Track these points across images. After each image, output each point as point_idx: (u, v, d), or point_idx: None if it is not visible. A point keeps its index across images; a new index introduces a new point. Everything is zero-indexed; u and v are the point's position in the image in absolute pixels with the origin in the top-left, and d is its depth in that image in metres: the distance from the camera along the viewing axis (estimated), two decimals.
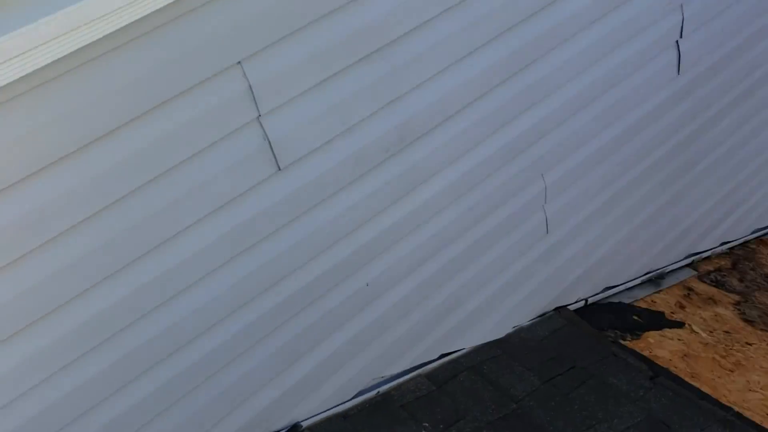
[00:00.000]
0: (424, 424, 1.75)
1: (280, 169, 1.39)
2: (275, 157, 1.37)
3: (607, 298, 2.47)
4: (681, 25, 2.05)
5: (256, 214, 1.40)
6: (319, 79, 1.37)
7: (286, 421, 1.67)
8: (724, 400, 1.98)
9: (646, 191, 2.35)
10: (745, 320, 2.44)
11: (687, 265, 2.78)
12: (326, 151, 1.46)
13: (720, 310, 2.49)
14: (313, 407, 1.72)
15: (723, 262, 2.86)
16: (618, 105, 2.03)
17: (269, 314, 1.52)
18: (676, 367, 2.12)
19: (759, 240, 3.10)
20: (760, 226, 3.10)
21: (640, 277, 2.58)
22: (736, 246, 3.00)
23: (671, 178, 2.42)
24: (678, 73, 2.14)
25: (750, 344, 2.30)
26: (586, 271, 2.30)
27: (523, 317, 2.18)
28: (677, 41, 2.08)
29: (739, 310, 2.50)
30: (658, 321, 2.36)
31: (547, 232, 2.06)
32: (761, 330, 2.39)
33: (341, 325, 1.69)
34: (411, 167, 1.62)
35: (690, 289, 2.61)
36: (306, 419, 1.71)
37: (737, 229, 2.96)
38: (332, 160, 1.47)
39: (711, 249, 2.86)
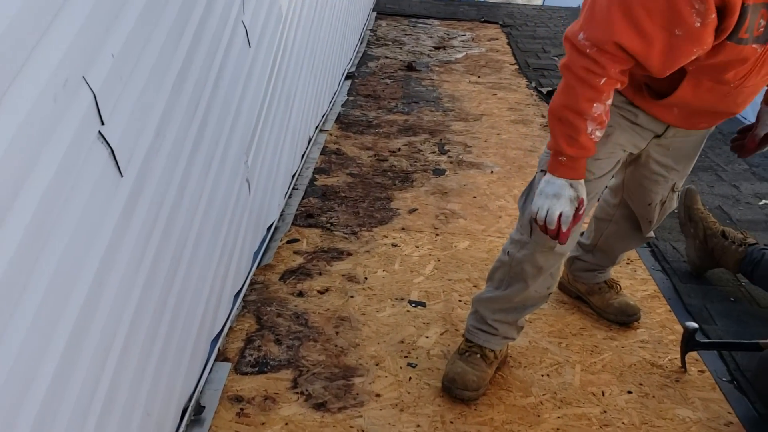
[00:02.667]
0: None
1: None
2: None
3: None
4: (96, 105, 1.18)
5: None
6: None
7: None
8: None
9: (146, 332, 1.53)
10: (315, 406, 1.94)
11: (217, 359, 2.11)
12: None
13: (285, 409, 1.93)
14: None
15: (247, 324, 2.29)
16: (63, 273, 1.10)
17: None
18: None
19: (260, 270, 2.62)
20: (254, 251, 2.63)
21: (180, 425, 1.79)
22: (245, 292, 2.46)
23: (162, 294, 1.65)
24: (121, 174, 1.30)
25: None
26: None
27: None
28: (100, 131, 1.21)
29: (301, 392, 1.99)
30: None
31: None
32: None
33: None
34: None
35: (237, 398, 1.96)
36: None
37: (239, 274, 2.41)
38: None
39: (228, 317, 2.25)
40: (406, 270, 2.66)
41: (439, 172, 3.59)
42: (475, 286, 2.56)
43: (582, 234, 2.41)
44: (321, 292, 2.49)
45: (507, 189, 3.43)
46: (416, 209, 3.16)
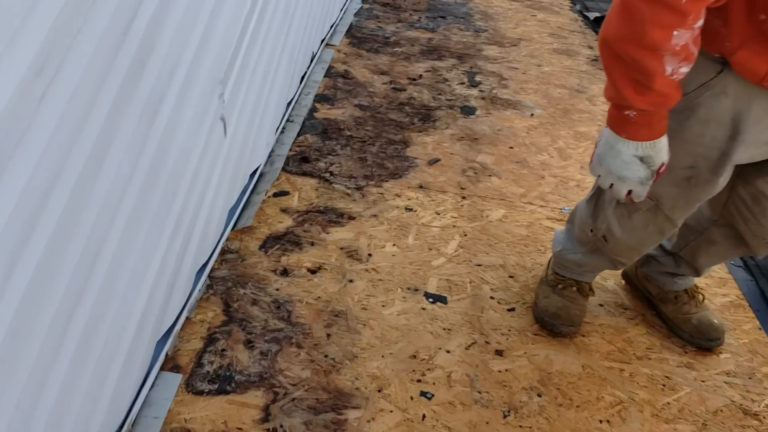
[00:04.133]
0: None
1: None
2: None
3: None
4: None
5: None
6: None
7: None
8: None
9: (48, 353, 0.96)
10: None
11: (164, 367, 1.56)
12: None
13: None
14: None
15: (211, 313, 1.73)
16: None
17: None
18: None
19: (235, 233, 2.04)
20: (229, 207, 2.03)
21: None
22: (213, 264, 1.88)
23: (69, 302, 1.07)
24: None
25: None
26: None
27: None
28: None
29: (274, 429, 1.45)
30: None
31: None
32: None
33: None
34: None
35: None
36: None
37: (206, 242, 1.83)
38: None
39: (185, 305, 1.68)
40: (423, 246, 2.07)
41: (468, 111, 2.94)
42: (511, 276, 1.98)
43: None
44: (312, 271, 1.91)
45: (551, 139, 2.79)
46: (438, 160, 2.54)
